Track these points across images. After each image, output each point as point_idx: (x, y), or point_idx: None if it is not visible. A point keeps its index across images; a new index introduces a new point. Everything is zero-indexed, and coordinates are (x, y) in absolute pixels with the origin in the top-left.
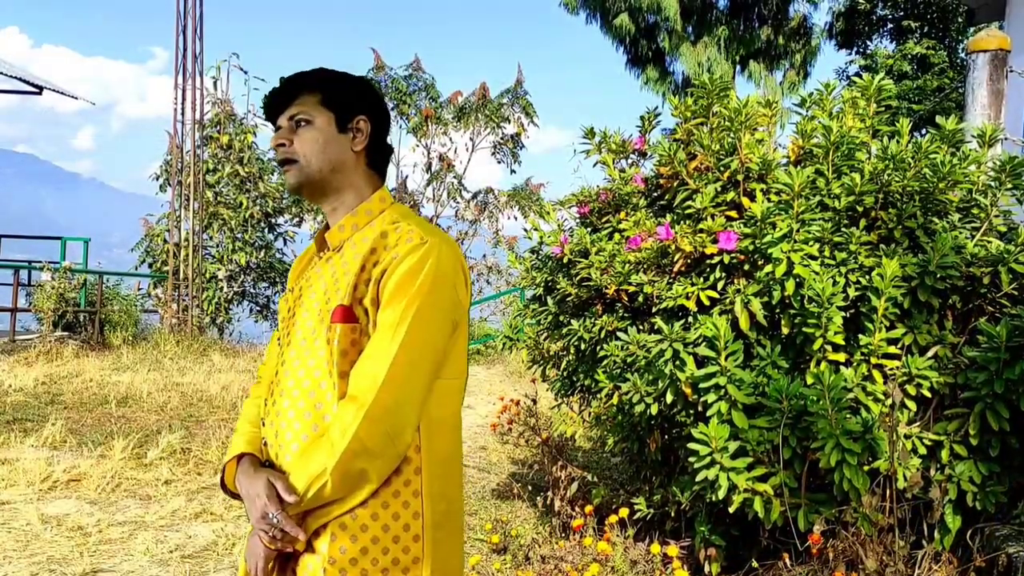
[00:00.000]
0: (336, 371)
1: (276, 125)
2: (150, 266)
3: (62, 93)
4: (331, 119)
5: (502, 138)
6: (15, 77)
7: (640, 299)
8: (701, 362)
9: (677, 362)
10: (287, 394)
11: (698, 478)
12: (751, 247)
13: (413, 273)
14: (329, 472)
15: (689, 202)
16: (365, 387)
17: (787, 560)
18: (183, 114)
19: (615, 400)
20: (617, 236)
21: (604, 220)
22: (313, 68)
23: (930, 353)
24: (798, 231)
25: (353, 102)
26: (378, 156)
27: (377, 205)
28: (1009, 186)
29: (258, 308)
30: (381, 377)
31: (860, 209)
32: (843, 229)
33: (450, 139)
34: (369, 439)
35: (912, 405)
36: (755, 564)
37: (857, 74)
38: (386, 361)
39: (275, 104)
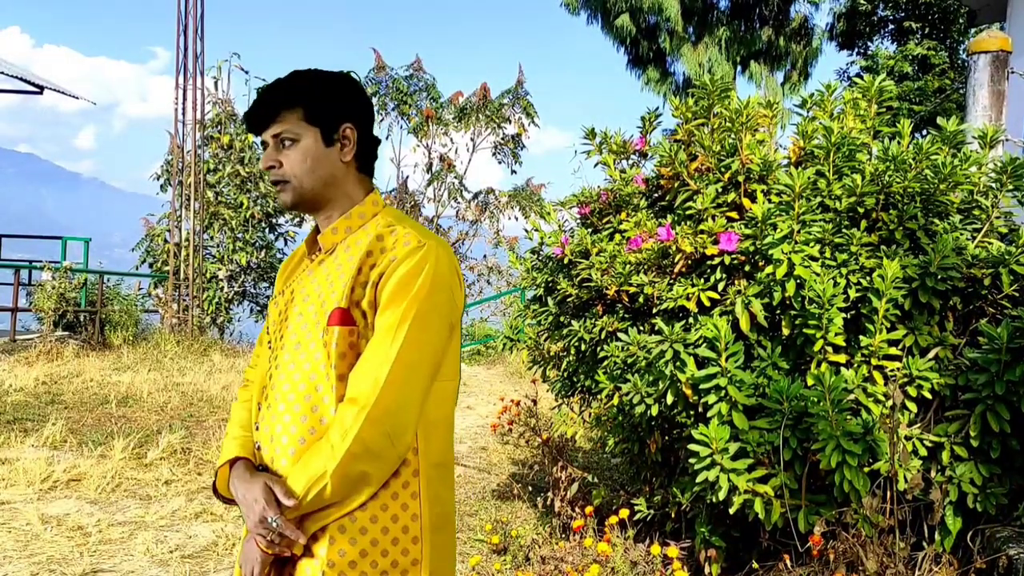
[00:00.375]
0: (334, 374)
1: (262, 140)
2: (151, 266)
3: (63, 93)
4: (317, 135)
5: (503, 138)
6: (16, 77)
7: (641, 300)
8: (702, 363)
9: (678, 363)
10: (282, 398)
11: (698, 479)
12: (752, 248)
13: (412, 276)
14: (329, 475)
15: (690, 203)
16: (366, 389)
17: (787, 561)
18: (184, 114)
19: (615, 401)
20: (618, 237)
21: (605, 221)
22: (289, 75)
23: (931, 354)
24: (799, 232)
25: (337, 112)
26: (366, 158)
27: (370, 208)
28: (1010, 187)
29: (258, 308)
30: (382, 379)
31: (861, 210)
32: (844, 230)
33: (451, 139)
34: (370, 441)
35: (913, 407)
36: (755, 565)
37: (858, 75)
38: (387, 363)
39: (257, 120)
